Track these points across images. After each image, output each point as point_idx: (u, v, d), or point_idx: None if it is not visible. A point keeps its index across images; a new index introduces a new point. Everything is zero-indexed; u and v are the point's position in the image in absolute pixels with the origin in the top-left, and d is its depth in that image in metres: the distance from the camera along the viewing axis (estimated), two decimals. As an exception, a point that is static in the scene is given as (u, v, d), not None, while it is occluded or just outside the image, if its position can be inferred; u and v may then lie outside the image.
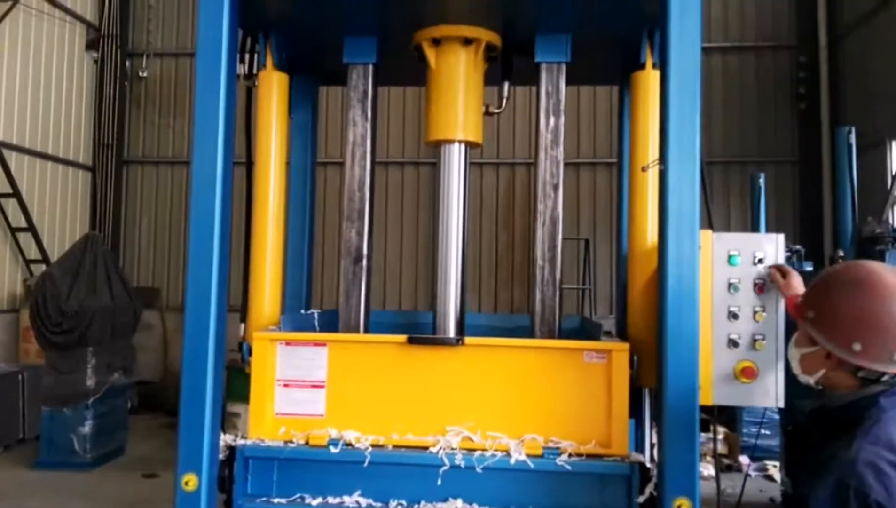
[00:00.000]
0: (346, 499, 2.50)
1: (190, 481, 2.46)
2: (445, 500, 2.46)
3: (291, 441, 2.54)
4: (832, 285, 1.81)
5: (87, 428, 7.09)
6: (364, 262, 2.84)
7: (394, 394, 2.54)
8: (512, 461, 2.40)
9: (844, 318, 1.73)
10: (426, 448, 2.47)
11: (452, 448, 2.45)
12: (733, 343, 2.53)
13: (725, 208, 10.13)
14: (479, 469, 2.40)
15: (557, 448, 2.42)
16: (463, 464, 2.41)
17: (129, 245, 11.09)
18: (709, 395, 2.50)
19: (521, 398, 2.50)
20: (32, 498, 6.21)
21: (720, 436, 7.41)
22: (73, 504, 6.05)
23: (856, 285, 1.75)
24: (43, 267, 8.21)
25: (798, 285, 2.46)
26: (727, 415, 7.69)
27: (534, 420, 2.48)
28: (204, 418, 2.46)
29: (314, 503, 2.50)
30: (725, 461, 7.40)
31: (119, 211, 10.97)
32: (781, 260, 2.56)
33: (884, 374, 1.72)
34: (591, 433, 2.46)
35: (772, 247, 2.56)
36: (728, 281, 2.52)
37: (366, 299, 2.86)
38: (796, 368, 1.89)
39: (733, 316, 2.52)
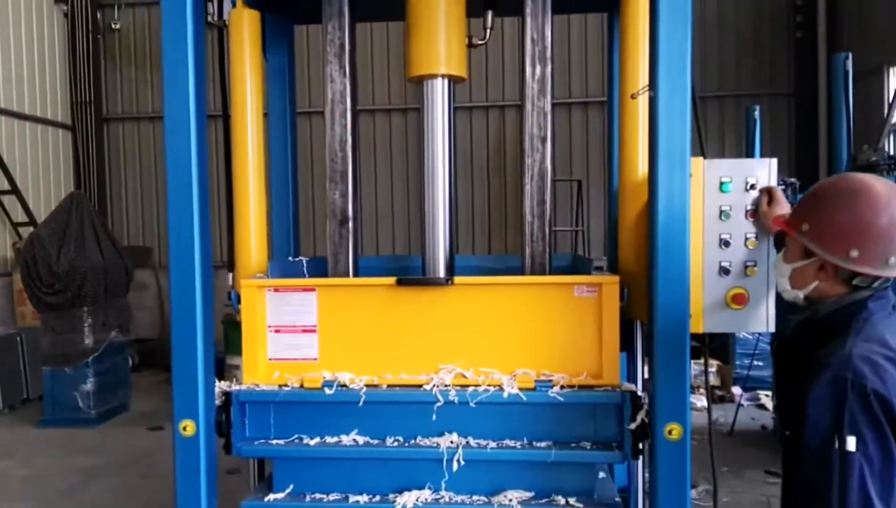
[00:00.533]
0: (344, 438, 2.53)
1: (188, 427, 2.49)
2: (441, 435, 2.49)
3: (286, 385, 2.55)
4: (825, 196, 1.83)
5: (89, 386, 7.16)
6: (350, 224, 2.80)
7: (385, 336, 2.54)
8: (505, 394, 2.42)
9: (841, 226, 1.75)
10: (419, 386, 2.48)
11: (446, 385, 2.46)
12: (724, 271, 2.52)
13: (720, 143, 10.07)
14: (472, 404, 2.42)
15: (549, 381, 2.44)
16: (456, 400, 2.42)
17: (117, 205, 11.01)
18: (699, 323, 2.51)
19: (512, 335, 2.51)
20: (40, 455, 6.31)
21: (713, 369, 7.53)
22: (80, 459, 6.15)
23: (849, 193, 1.78)
24: (30, 229, 8.15)
25: (784, 207, 2.46)
26: (720, 346, 7.80)
27: (525, 356, 2.50)
28: (196, 363, 2.45)
29: (312, 443, 2.53)
30: (718, 392, 7.54)
31: (103, 170, 10.86)
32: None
33: (876, 279, 1.76)
34: (583, 365, 2.48)
35: (764, 172, 2.52)
36: (720, 208, 2.50)
37: (353, 255, 2.83)
38: (785, 284, 1.91)
39: (725, 243, 2.51)
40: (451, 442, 2.46)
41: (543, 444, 2.47)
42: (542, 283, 2.57)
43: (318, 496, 2.55)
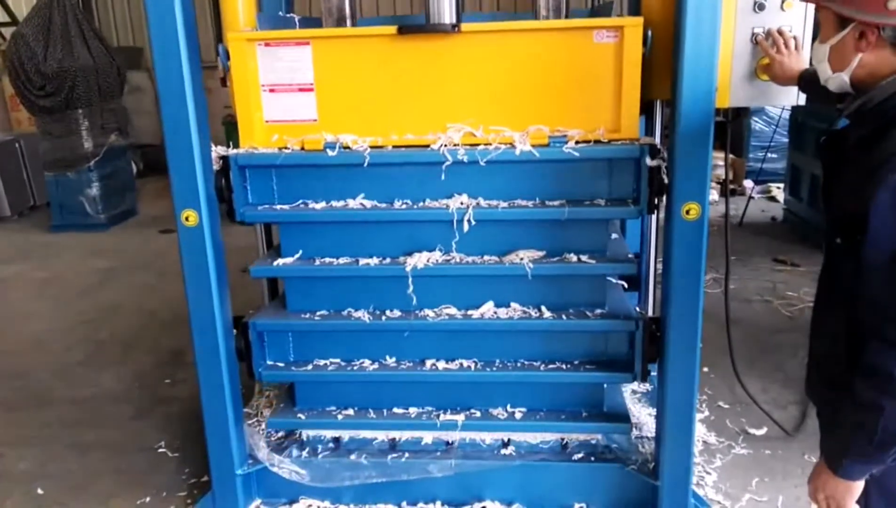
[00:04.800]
0: (350, 202, 2.47)
1: (190, 216, 2.42)
2: (450, 197, 2.42)
3: (286, 148, 2.44)
4: None
5: (94, 190, 7.15)
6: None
7: (388, 94, 2.38)
8: (517, 152, 2.29)
9: None
10: (427, 146, 2.36)
11: (454, 144, 2.34)
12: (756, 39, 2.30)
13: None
14: (482, 163, 2.31)
15: (564, 137, 2.31)
16: (466, 159, 2.31)
17: (102, 4, 10.36)
18: (726, 97, 2.33)
19: (524, 89, 2.33)
20: (55, 258, 6.43)
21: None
22: (95, 260, 6.26)
23: None
24: (12, 30, 7.70)
25: (798, 60, 2.18)
26: (735, 137, 7.60)
27: (539, 112, 2.34)
28: (192, 151, 2.33)
29: (317, 207, 2.48)
30: (731, 186, 7.46)
31: (84, -34, 10.07)
32: None
33: None
34: (600, 119, 2.33)
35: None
36: (754, -33, 2.22)
37: (350, 8, 2.58)
38: (826, 70, 1.60)
39: (759, 7, 2.26)
40: (461, 203, 2.39)
41: (556, 203, 2.40)
42: (559, 28, 2.34)
43: (327, 260, 2.55)
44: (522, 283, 2.46)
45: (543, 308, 2.53)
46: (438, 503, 2.71)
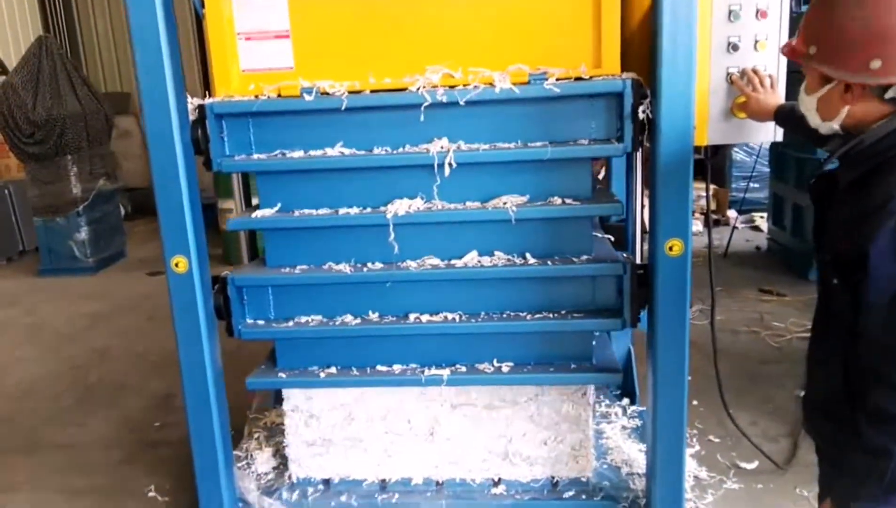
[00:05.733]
0: (329, 151, 2.45)
1: (180, 263, 2.45)
2: (430, 141, 2.39)
3: (262, 95, 2.42)
4: (827, 6, 1.53)
5: (83, 234, 7.14)
6: None
7: (366, 37, 2.36)
8: (497, 90, 2.28)
9: (852, 38, 1.46)
10: (405, 88, 2.34)
11: (433, 85, 2.32)
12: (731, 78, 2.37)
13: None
14: (462, 103, 2.28)
15: (545, 74, 2.29)
16: (445, 99, 2.29)
17: (90, 51, 10.47)
18: (704, 135, 2.40)
19: (504, 28, 2.33)
20: (43, 303, 6.40)
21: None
22: (83, 304, 6.24)
23: None
24: (2, 79, 7.77)
25: (773, 96, 2.26)
26: (715, 169, 7.71)
27: (519, 51, 2.33)
28: (181, 196, 2.36)
29: (295, 155, 2.46)
30: (714, 216, 7.56)
31: (71, 15, 10.22)
32: None
33: None
34: (581, 56, 2.31)
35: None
36: (729, 8, 2.30)
37: None
38: (815, 119, 1.63)
39: (733, 47, 2.34)
40: (442, 147, 2.36)
41: (539, 144, 2.38)
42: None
43: (306, 211, 2.52)
44: (506, 230, 2.43)
45: (528, 256, 2.48)
46: (431, 543, 2.69)
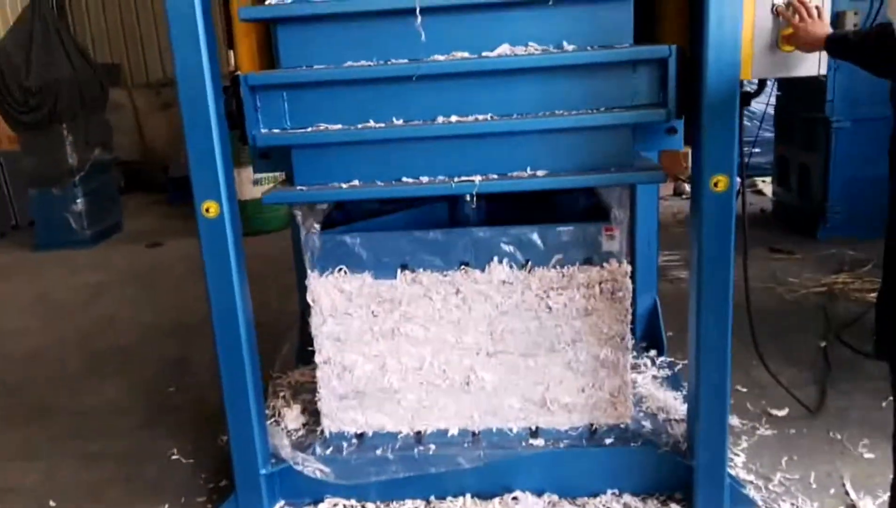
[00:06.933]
0: None
1: (210, 208, 2.36)
2: None
3: None
4: None
5: (79, 206, 7.00)
6: None
7: None
8: None
9: None
10: None
11: None
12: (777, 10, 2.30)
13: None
14: None
15: None
16: None
17: (79, 20, 10.23)
18: (748, 69, 2.34)
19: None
20: (43, 275, 6.28)
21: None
22: (84, 276, 6.12)
23: None
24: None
25: (822, 26, 2.17)
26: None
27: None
28: (212, 139, 2.28)
29: None
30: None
31: (59, -17, 9.95)
32: None
33: None
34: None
35: None
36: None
37: None
38: None
39: (781, -25, 2.27)
40: None
41: None
42: None
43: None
44: (541, 18, 2.27)
45: (565, 43, 2.30)
46: (468, 496, 2.65)
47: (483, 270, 2.57)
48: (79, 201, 6.98)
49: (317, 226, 2.61)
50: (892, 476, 1.79)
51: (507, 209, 2.87)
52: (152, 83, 10.10)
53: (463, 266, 2.58)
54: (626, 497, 2.59)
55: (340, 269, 2.61)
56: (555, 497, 2.61)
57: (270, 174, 6.55)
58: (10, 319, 5.26)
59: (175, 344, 4.43)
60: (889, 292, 1.70)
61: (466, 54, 2.31)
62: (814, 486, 2.65)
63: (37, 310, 5.41)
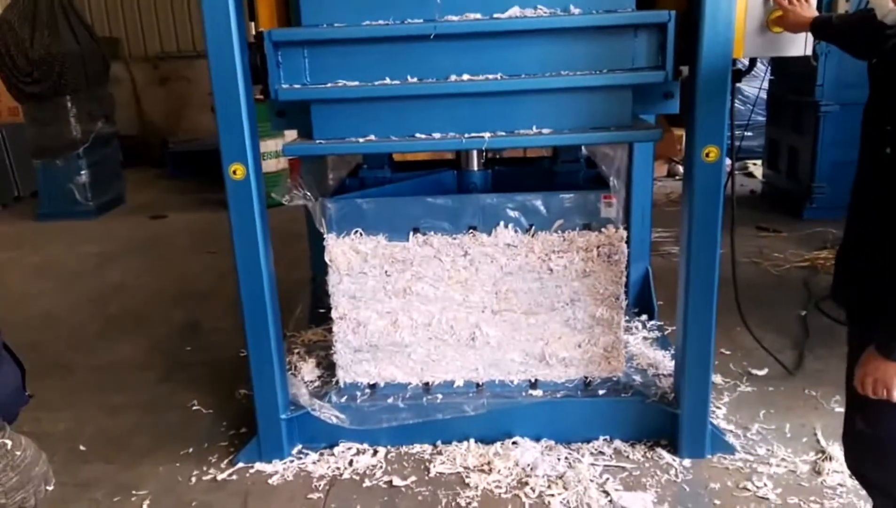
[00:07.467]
0: None
1: (237, 170, 2.54)
2: None
3: None
4: None
5: (83, 178, 7.13)
6: None
7: None
8: None
9: None
10: None
11: None
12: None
13: None
14: None
15: None
16: None
17: (77, -6, 10.26)
18: (740, 48, 2.53)
19: None
20: (48, 245, 6.42)
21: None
22: (90, 245, 6.27)
23: None
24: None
25: (809, 9, 2.37)
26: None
27: None
28: (239, 104, 2.46)
29: None
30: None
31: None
32: None
33: None
34: None
35: None
36: None
37: None
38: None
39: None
40: None
41: None
42: None
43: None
44: None
45: (572, 7, 2.47)
46: (472, 441, 2.87)
47: (490, 233, 2.77)
48: (83, 172, 7.11)
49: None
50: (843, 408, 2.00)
51: (511, 179, 3.08)
52: (150, 57, 10.18)
53: (471, 230, 2.77)
54: (617, 443, 2.83)
55: (356, 231, 2.80)
56: (551, 443, 2.84)
57: (275, 149, 6.76)
58: (22, 283, 5.42)
59: (185, 309, 4.61)
60: (848, 240, 1.90)
61: (478, 15, 2.48)
62: (788, 435, 2.89)
63: (45, 276, 5.56)
